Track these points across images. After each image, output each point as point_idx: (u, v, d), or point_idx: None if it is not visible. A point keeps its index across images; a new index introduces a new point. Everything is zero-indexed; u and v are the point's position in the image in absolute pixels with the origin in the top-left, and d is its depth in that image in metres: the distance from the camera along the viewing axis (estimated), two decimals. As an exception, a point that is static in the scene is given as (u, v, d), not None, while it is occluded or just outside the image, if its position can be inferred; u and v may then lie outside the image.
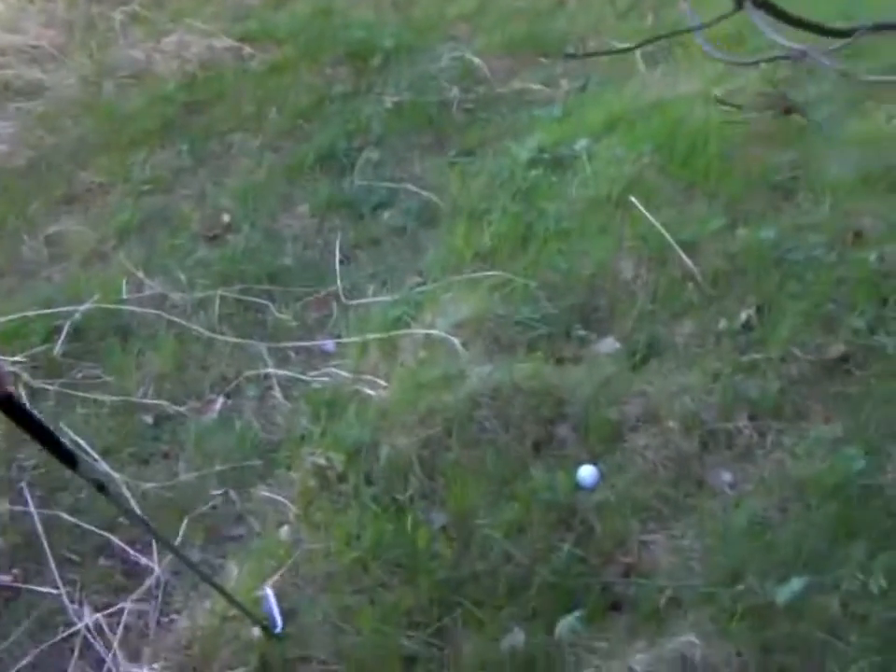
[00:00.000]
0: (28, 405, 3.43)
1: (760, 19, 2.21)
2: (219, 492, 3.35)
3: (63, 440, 2.07)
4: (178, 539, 3.14)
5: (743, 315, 3.78)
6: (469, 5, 6.72)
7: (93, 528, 3.22)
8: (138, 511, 2.66)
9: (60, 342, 3.92)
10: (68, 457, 2.07)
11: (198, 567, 2.86)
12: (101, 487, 2.19)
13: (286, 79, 5.85)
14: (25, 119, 5.63)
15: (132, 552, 3.16)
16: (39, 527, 3.21)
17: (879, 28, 2.33)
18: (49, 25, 6.72)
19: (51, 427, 2.04)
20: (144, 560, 3.14)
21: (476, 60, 5.94)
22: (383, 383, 3.60)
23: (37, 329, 3.99)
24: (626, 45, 5.90)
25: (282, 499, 3.25)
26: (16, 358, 3.82)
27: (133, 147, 5.27)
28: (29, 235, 4.65)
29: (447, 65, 5.93)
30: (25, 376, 3.76)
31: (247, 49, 6.20)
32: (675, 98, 5.24)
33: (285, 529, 3.15)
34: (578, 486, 3.19)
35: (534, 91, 5.69)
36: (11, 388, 1.72)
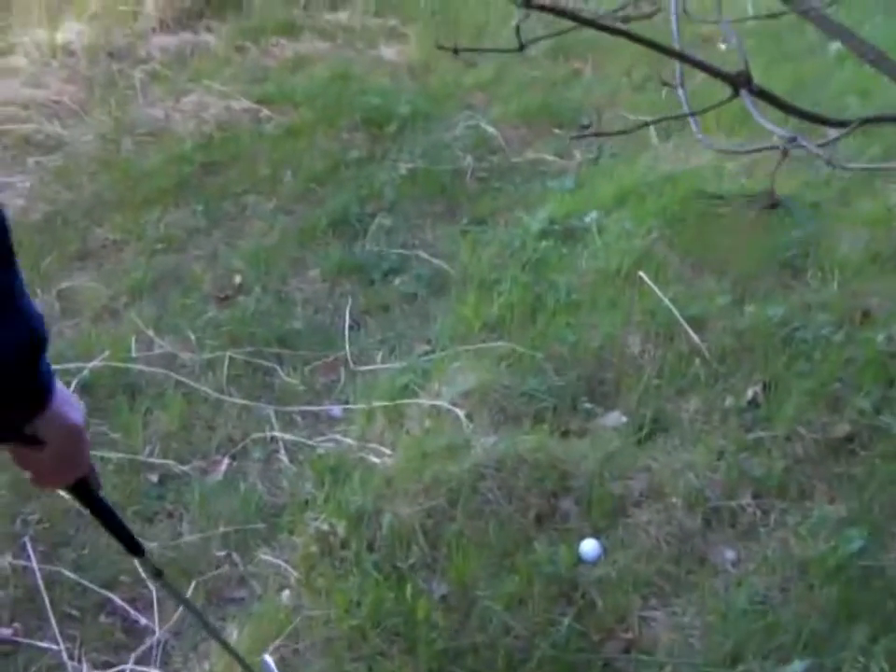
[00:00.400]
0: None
1: (755, 106, 2.25)
2: (223, 554, 3.34)
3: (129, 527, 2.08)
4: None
5: (749, 393, 3.79)
6: (486, 74, 6.80)
7: (94, 586, 3.21)
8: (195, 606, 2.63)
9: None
10: (134, 546, 2.07)
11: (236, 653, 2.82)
12: (159, 574, 2.20)
13: (301, 143, 5.90)
14: (43, 174, 5.67)
15: (132, 610, 3.15)
16: (41, 582, 3.20)
17: (873, 121, 2.38)
18: (70, 81, 6.79)
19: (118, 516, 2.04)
20: (144, 620, 3.13)
21: (491, 129, 6.00)
22: (388, 451, 3.61)
23: (47, 384, 3.99)
24: (641, 118, 5.98)
25: (284, 564, 3.23)
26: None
27: (148, 205, 5.31)
28: (42, 289, 4.66)
29: (462, 134, 6.00)
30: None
31: (265, 112, 6.26)
32: (686, 172, 5.29)
33: (286, 594, 3.14)
34: (580, 560, 3.19)
35: (547, 162, 5.74)
36: (88, 473, 1.72)
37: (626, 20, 2.24)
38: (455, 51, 2.38)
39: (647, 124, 2.86)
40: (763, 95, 2.29)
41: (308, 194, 5.44)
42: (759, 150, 3.13)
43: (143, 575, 2.21)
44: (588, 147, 5.92)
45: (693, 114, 2.65)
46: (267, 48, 7.34)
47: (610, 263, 4.49)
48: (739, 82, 2.30)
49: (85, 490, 1.83)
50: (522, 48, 2.30)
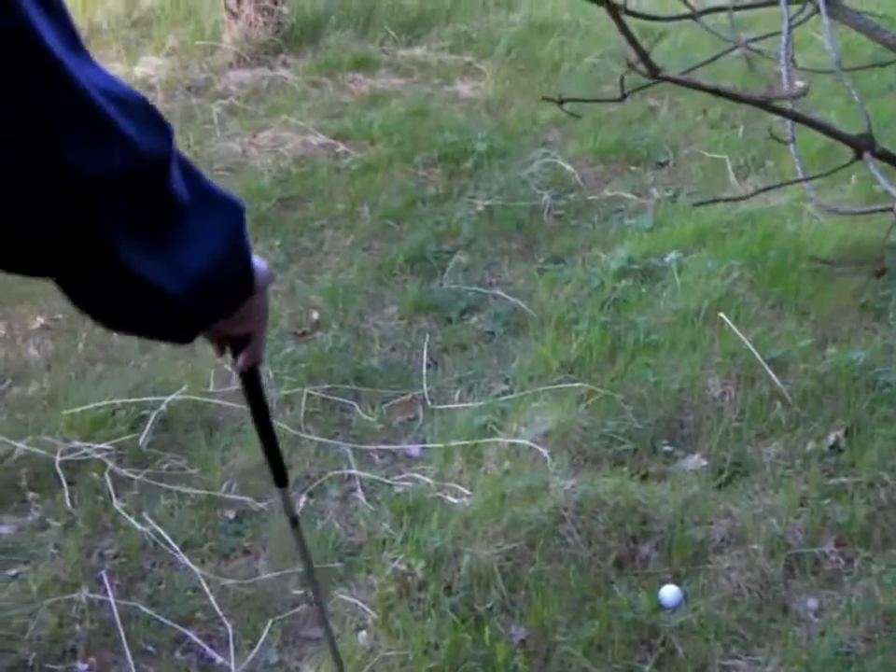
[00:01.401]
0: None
1: (879, 171, 2.21)
2: (299, 593, 3.34)
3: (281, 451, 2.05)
4: (260, 639, 3.14)
5: (831, 437, 3.74)
6: (562, 111, 6.77)
7: (170, 622, 3.22)
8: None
9: (146, 431, 3.95)
10: (280, 474, 2.05)
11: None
12: (294, 522, 2.18)
13: (378, 178, 5.93)
14: (121, 209, 5.72)
15: (208, 648, 3.16)
16: (117, 617, 3.21)
17: None
18: (148, 115, 6.84)
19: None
20: (220, 658, 3.13)
21: (568, 166, 6.00)
22: (466, 491, 3.59)
23: (124, 417, 4.02)
24: (717, 156, 5.96)
25: (361, 603, 3.22)
26: (102, 446, 3.86)
27: (226, 240, 5.33)
28: (119, 323, 4.70)
29: (538, 171, 5.99)
30: (111, 465, 3.79)
31: (341, 147, 6.30)
32: (766, 212, 5.24)
33: (363, 634, 3.13)
34: (660, 606, 3.15)
35: (625, 200, 5.73)
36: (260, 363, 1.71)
37: (768, 100, 2.21)
38: (560, 102, 2.38)
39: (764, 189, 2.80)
40: (886, 158, 2.24)
41: (385, 230, 5.46)
42: (880, 210, 3.06)
43: (282, 507, 2.16)
44: (666, 186, 5.90)
45: (807, 178, 2.60)
46: (343, 83, 7.38)
47: (690, 304, 4.45)
48: (862, 145, 2.26)
49: (257, 382, 1.82)
50: (624, 97, 2.29)
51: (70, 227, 1.11)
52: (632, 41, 1.90)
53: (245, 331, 1.59)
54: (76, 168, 1.07)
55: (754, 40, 2.59)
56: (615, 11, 2.02)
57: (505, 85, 7.31)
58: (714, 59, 3.34)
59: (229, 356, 1.68)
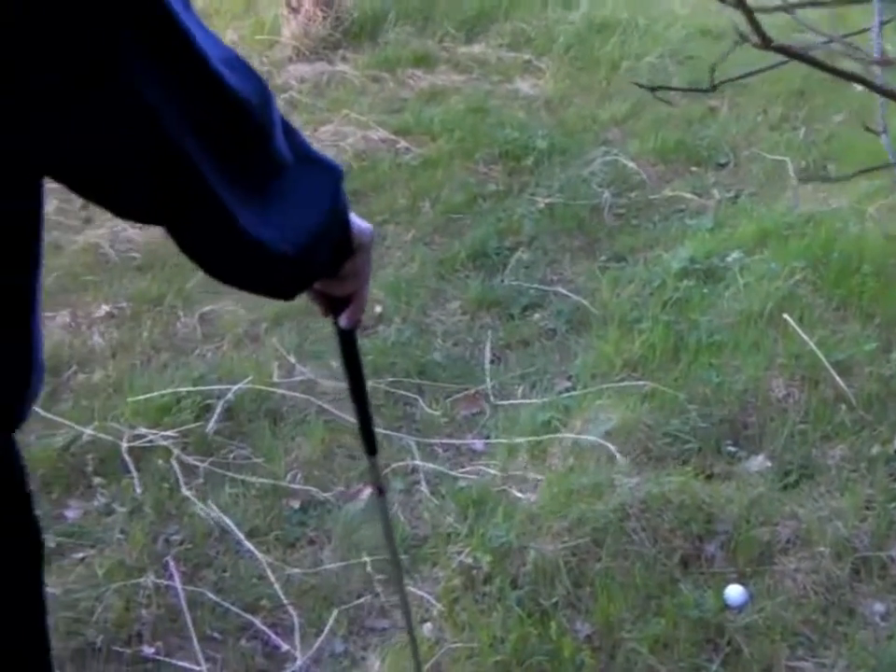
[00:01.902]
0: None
1: None
2: (364, 583, 3.35)
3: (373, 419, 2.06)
4: (325, 628, 3.16)
5: (897, 441, 3.74)
6: (622, 109, 6.79)
7: (236, 609, 3.25)
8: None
9: (212, 420, 3.98)
10: (370, 440, 2.06)
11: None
12: (380, 491, 2.19)
13: (439, 174, 5.94)
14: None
15: (273, 635, 3.18)
16: (183, 603, 3.24)
17: None
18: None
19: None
20: (286, 646, 3.15)
21: (629, 164, 5.99)
22: (531, 486, 3.60)
23: (189, 405, 4.05)
24: (778, 158, 5.94)
25: (426, 596, 3.24)
26: (168, 433, 3.90)
27: (289, 233, 5.36)
28: (184, 312, 4.75)
29: (599, 169, 5.99)
30: (177, 452, 3.82)
31: (402, 142, 6.31)
32: (828, 213, 5.23)
33: (428, 626, 3.15)
34: (725, 606, 3.15)
35: (686, 200, 5.71)
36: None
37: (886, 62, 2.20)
38: (653, 89, 2.38)
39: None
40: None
41: (447, 225, 5.47)
42: None
43: (369, 475, 2.18)
44: (726, 186, 5.88)
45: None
46: (403, 79, 7.39)
47: (753, 305, 4.44)
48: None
49: (355, 344, 1.84)
50: (714, 87, 2.29)
51: (184, 181, 1.13)
52: (747, 10, 1.89)
53: (348, 291, 1.61)
54: (190, 128, 1.10)
55: (847, 36, 2.58)
56: None
57: (564, 83, 7.30)
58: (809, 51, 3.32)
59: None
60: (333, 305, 1.67)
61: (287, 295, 1.48)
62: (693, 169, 6.12)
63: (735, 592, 3.18)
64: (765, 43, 1.90)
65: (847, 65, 2.21)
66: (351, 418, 3.88)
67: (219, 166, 1.16)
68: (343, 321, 1.68)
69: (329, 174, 1.38)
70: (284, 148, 1.28)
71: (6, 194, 1.11)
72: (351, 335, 1.78)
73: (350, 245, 1.50)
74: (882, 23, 2.41)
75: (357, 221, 1.52)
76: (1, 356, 1.19)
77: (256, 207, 1.22)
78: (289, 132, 1.32)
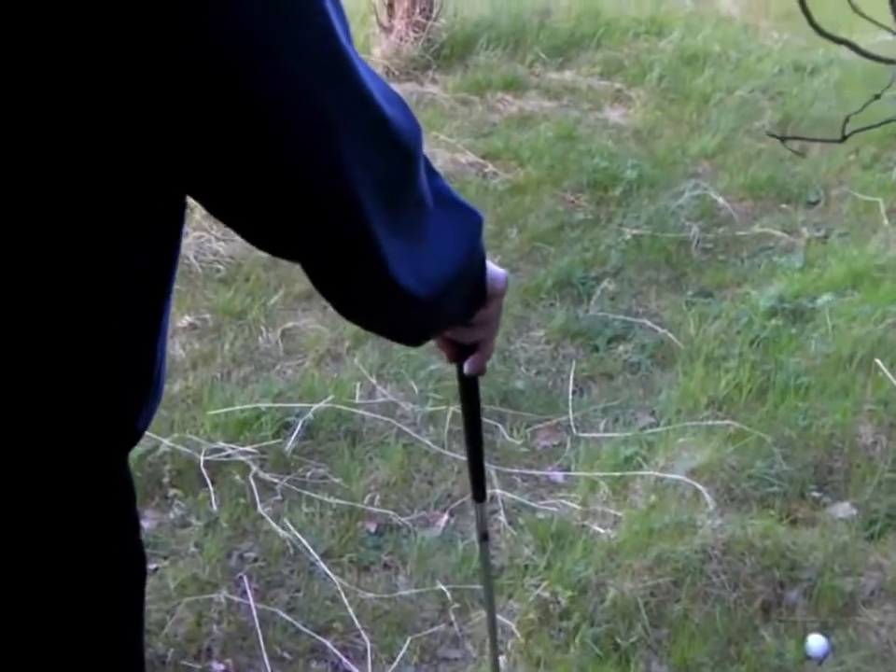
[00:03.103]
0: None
1: None
2: (438, 611, 3.32)
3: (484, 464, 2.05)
4: (398, 655, 3.13)
5: None
6: (712, 143, 6.74)
7: (308, 630, 3.23)
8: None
9: (291, 438, 3.98)
10: (479, 487, 2.04)
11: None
12: (485, 537, 2.17)
13: (526, 200, 5.92)
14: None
15: (345, 658, 3.15)
16: (256, 621, 3.23)
17: None
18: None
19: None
20: (356, 670, 3.13)
21: (718, 199, 5.94)
22: (611, 522, 3.56)
23: (269, 422, 4.05)
24: (870, 199, 5.87)
25: (502, 627, 3.20)
26: (246, 449, 3.89)
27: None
28: (267, 328, 4.75)
29: (687, 202, 5.94)
30: (254, 468, 3.81)
31: (490, 167, 6.30)
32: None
33: (502, 659, 3.11)
34: (806, 656, 3.09)
35: (775, 237, 5.65)
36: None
37: None
38: (782, 139, 2.35)
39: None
40: None
41: (532, 253, 5.45)
42: None
43: (475, 520, 2.16)
44: (816, 225, 5.82)
45: None
46: (492, 103, 7.39)
47: (842, 348, 4.38)
48: None
49: (476, 391, 1.82)
50: (844, 139, 2.26)
51: (341, 222, 1.10)
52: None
53: (476, 339, 1.58)
54: (354, 167, 1.07)
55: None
56: None
57: (654, 114, 7.27)
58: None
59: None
60: (460, 351, 1.64)
61: (414, 341, 1.43)
62: (783, 206, 6.07)
63: (816, 642, 3.11)
64: None
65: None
66: (430, 442, 3.91)
67: (382, 209, 1.13)
68: (468, 368, 1.65)
69: (468, 218, 1.34)
70: (427, 190, 1.25)
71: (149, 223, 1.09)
72: (473, 381, 1.75)
73: (484, 294, 1.46)
74: None
75: (493, 268, 1.48)
76: (124, 374, 1.17)
77: (399, 247, 1.19)
78: (430, 171, 1.29)
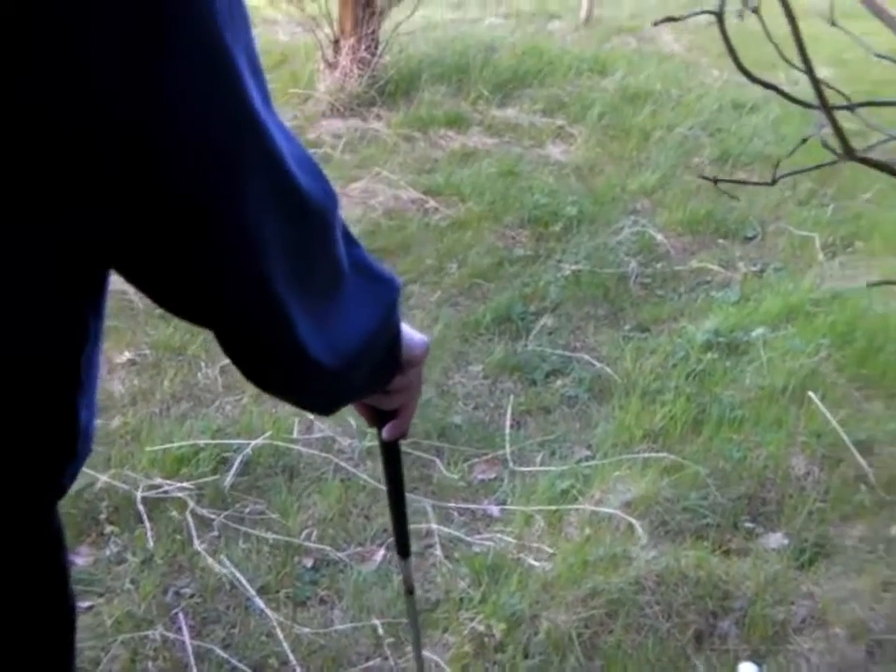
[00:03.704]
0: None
1: None
2: (374, 645, 3.33)
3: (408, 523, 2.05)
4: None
5: (916, 524, 3.73)
6: (652, 179, 6.82)
7: (243, 666, 3.22)
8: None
9: (229, 474, 3.98)
10: (403, 544, 2.05)
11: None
12: (410, 591, 2.18)
13: (467, 236, 5.96)
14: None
15: (281, 695, 3.17)
16: (191, 658, 3.22)
17: None
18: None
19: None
20: (293, 706, 3.14)
21: (657, 235, 6.01)
22: (546, 555, 3.58)
23: (207, 458, 4.04)
24: (806, 234, 5.95)
25: (437, 661, 3.22)
26: (184, 485, 3.89)
27: (314, 289, 5.39)
28: (206, 363, 4.75)
29: (626, 238, 6.01)
30: (192, 504, 3.81)
31: (431, 203, 6.34)
32: (854, 291, 5.22)
33: (438, 693, 3.14)
34: (738, 684, 3.13)
35: (711, 272, 5.72)
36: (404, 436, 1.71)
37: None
38: (715, 181, 2.39)
39: None
40: None
41: (472, 288, 5.48)
42: None
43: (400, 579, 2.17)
44: (752, 260, 5.89)
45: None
46: (435, 139, 7.45)
47: (776, 380, 4.44)
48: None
49: (398, 454, 1.82)
50: (774, 182, 2.30)
51: (249, 292, 1.10)
52: (836, 127, 1.90)
53: (395, 406, 1.58)
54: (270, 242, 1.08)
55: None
56: (826, 103, 2.02)
57: (595, 151, 7.35)
58: (869, 149, 3.33)
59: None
60: (379, 416, 1.63)
61: (327, 410, 1.41)
62: (720, 241, 6.14)
63: (748, 670, 3.15)
64: (850, 155, 1.91)
65: None
66: (367, 476, 3.92)
67: (292, 277, 1.12)
68: (386, 434, 1.64)
69: (385, 288, 1.32)
70: (343, 259, 1.25)
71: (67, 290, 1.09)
72: (394, 445, 1.75)
73: (397, 363, 1.45)
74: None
75: (411, 335, 1.47)
76: (44, 433, 1.18)
77: (311, 316, 1.19)
78: (349, 240, 1.28)
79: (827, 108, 1.94)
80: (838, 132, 1.95)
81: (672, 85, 8.52)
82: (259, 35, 9.51)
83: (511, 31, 10.31)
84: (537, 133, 7.67)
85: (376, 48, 8.22)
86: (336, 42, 8.16)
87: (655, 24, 2.21)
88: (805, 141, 2.65)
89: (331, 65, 8.08)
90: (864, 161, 1.95)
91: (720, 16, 1.97)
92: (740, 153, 7.26)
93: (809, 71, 1.93)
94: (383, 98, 8.05)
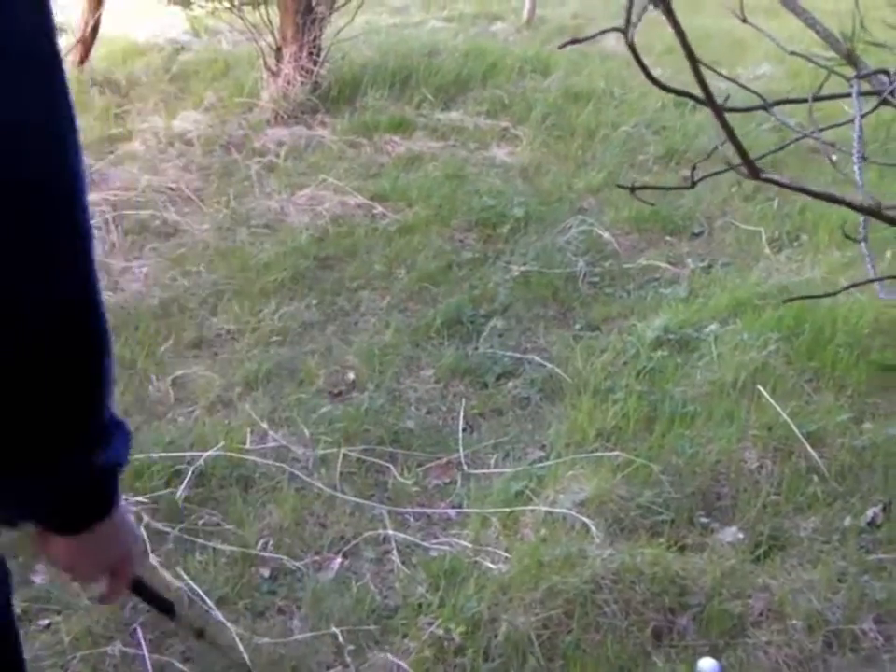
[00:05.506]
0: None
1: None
2: (334, 653, 3.32)
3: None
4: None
5: (869, 513, 3.74)
6: (598, 178, 6.84)
7: (203, 679, 3.22)
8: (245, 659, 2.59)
9: (182, 486, 3.96)
10: (169, 611, 2.07)
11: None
12: (200, 634, 2.19)
13: (415, 240, 5.96)
14: (160, 260, 5.78)
15: (240, 706, 3.16)
16: (151, 672, 3.22)
17: None
18: (186, 170, 6.94)
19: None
20: (253, 718, 3.13)
21: (604, 234, 6.03)
22: (503, 556, 3.59)
23: (159, 471, 4.02)
24: (752, 228, 5.99)
25: (396, 667, 3.22)
26: (138, 499, 3.87)
27: (263, 297, 5.39)
28: (157, 376, 4.73)
29: (574, 238, 6.02)
30: (146, 518, 3.79)
31: (378, 208, 6.34)
32: (801, 284, 5.26)
33: (399, 699, 3.13)
34: (697, 679, 3.15)
35: (660, 269, 5.74)
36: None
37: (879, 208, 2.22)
38: (632, 189, 2.41)
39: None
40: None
41: (421, 292, 5.48)
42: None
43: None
44: (700, 256, 5.92)
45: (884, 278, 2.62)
46: (380, 144, 7.45)
47: (726, 375, 4.46)
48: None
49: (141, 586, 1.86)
50: (693, 185, 2.32)
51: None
52: (734, 141, 1.91)
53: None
54: None
55: (822, 130, 2.61)
56: (719, 112, 2.04)
57: (541, 151, 7.36)
58: (781, 148, 3.36)
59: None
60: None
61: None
62: (668, 238, 6.17)
63: (707, 665, 3.15)
64: (755, 175, 1.93)
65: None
66: (322, 485, 3.92)
67: None
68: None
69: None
70: None
71: None
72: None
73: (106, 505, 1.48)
74: (862, 116, 2.43)
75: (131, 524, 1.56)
76: None
77: None
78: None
79: (723, 121, 1.96)
80: (738, 147, 1.96)
81: (615, 84, 8.54)
82: (203, 44, 9.52)
83: (453, 34, 10.31)
84: (482, 135, 7.67)
85: (318, 54, 8.20)
86: (278, 50, 8.15)
87: (561, 48, 2.23)
88: (715, 149, 2.67)
89: (274, 74, 8.06)
90: (770, 181, 1.97)
91: (625, 32, 1.98)
92: (685, 149, 7.29)
93: (699, 78, 1.95)
94: (327, 105, 8.04)
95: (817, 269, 5.50)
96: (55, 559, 1.52)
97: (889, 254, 5.33)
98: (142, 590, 1.87)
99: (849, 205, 2.18)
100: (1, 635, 1.40)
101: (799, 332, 4.73)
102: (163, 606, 2.01)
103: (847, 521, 3.73)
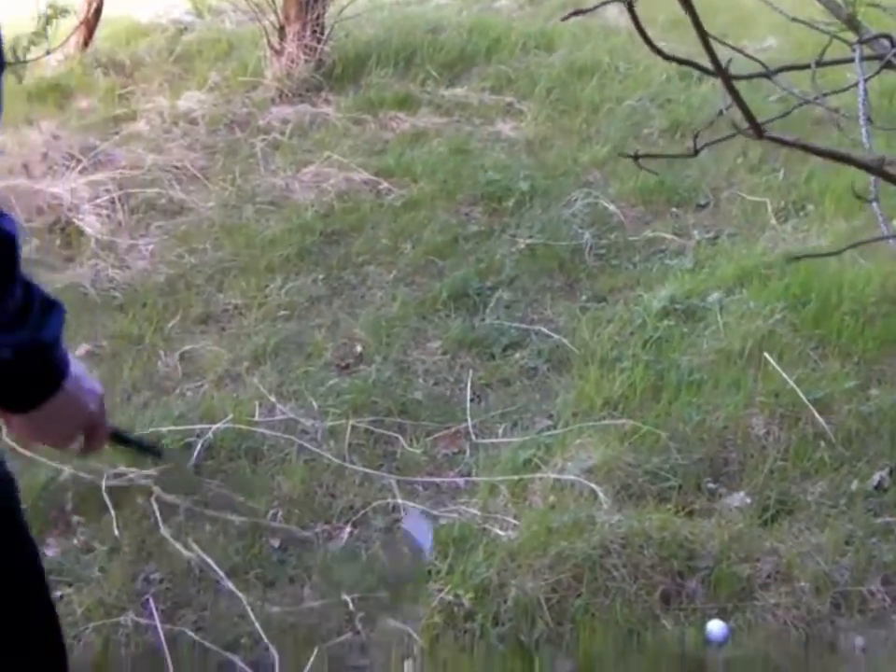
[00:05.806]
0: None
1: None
2: (345, 621, 3.34)
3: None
4: (306, 667, 3.15)
5: (876, 477, 3.75)
6: (602, 151, 6.82)
7: (216, 648, 3.23)
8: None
9: (192, 459, 3.98)
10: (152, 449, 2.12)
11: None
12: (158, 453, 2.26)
13: (421, 215, 5.96)
14: (166, 238, 5.79)
15: (253, 675, 3.18)
16: (163, 642, 3.23)
17: None
18: (191, 148, 6.94)
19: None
20: (266, 685, 3.15)
21: (609, 206, 6.02)
22: (512, 524, 3.60)
23: (169, 444, 4.03)
24: (758, 199, 5.98)
25: (407, 633, 3.24)
26: (148, 472, 3.88)
27: (269, 272, 5.40)
28: (165, 352, 4.75)
29: (579, 210, 6.01)
30: (156, 491, 3.81)
31: (384, 184, 6.34)
32: (806, 253, 5.25)
33: (409, 663, 3.15)
34: (707, 641, 3.16)
35: (666, 240, 5.74)
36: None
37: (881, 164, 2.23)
38: (636, 157, 2.42)
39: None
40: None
41: (428, 266, 5.49)
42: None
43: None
44: (706, 227, 5.91)
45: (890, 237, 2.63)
46: (384, 121, 7.43)
47: (733, 344, 4.47)
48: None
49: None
50: (696, 153, 2.33)
51: None
52: (740, 103, 1.92)
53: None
54: None
55: (825, 95, 2.61)
56: (725, 76, 2.05)
57: (545, 126, 7.34)
58: (787, 114, 3.35)
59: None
60: None
61: None
62: (674, 210, 6.15)
63: (716, 627, 3.18)
64: (759, 133, 1.93)
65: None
66: (331, 456, 3.93)
67: None
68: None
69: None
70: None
71: None
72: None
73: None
74: (865, 80, 2.44)
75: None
76: None
77: None
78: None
79: (729, 85, 1.97)
80: (744, 109, 1.97)
81: (619, 58, 8.50)
82: (206, 24, 9.52)
83: (457, 10, 10.27)
84: (486, 110, 7.65)
85: (322, 32, 8.18)
86: (282, 29, 8.13)
87: (564, 20, 2.24)
88: (720, 113, 2.68)
89: (278, 52, 8.05)
90: (775, 139, 1.97)
91: (630, 6, 1.99)
92: (690, 122, 7.25)
93: (706, 44, 1.95)
94: (331, 82, 8.03)
95: (823, 238, 5.49)
96: (20, 435, 1.65)
97: None
98: (122, 439, 1.90)
99: (853, 161, 2.19)
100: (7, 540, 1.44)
101: (805, 300, 4.74)
102: (148, 449, 2.05)
103: (855, 485, 3.74)
